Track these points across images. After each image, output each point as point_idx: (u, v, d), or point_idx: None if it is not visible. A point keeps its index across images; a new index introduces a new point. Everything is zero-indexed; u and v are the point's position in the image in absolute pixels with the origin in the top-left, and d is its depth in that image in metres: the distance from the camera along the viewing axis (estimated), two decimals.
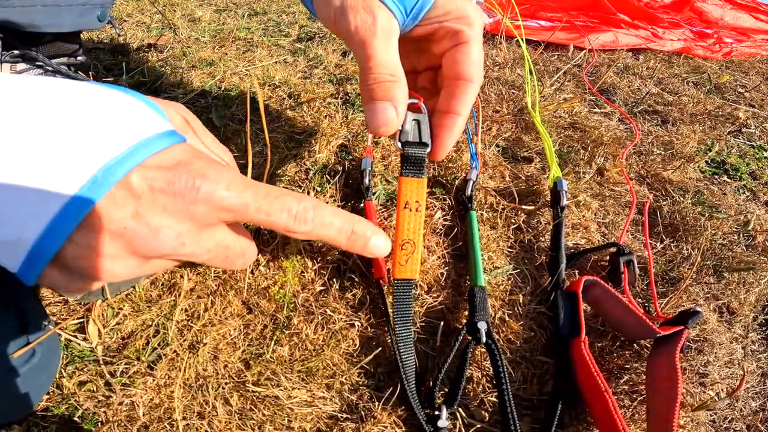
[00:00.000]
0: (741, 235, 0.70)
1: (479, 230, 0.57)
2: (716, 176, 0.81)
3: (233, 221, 0.27)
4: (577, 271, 0.58)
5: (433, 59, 0.41)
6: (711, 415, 0.50)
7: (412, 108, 0.38)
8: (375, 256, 0.34)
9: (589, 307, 0.53)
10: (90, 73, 0.86)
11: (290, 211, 0.27)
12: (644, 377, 0.49)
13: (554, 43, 1.14)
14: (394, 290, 0.43)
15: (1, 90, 0.22)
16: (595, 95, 0.93)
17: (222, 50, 0.94)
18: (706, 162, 0.83)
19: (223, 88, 0.78)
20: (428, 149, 0.38)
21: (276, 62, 0.89)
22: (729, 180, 0.82)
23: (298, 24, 1.08)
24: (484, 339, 0.45)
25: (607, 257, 0.58)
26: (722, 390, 0.52)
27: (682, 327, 0.47)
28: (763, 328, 0.60)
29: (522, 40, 0.86)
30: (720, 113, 1.01)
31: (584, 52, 1.09)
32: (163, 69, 0.85)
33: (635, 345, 0.52)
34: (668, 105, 0.98)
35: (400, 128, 0.37)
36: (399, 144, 0.38)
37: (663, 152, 0.81)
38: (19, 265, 0.21)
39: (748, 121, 1.03)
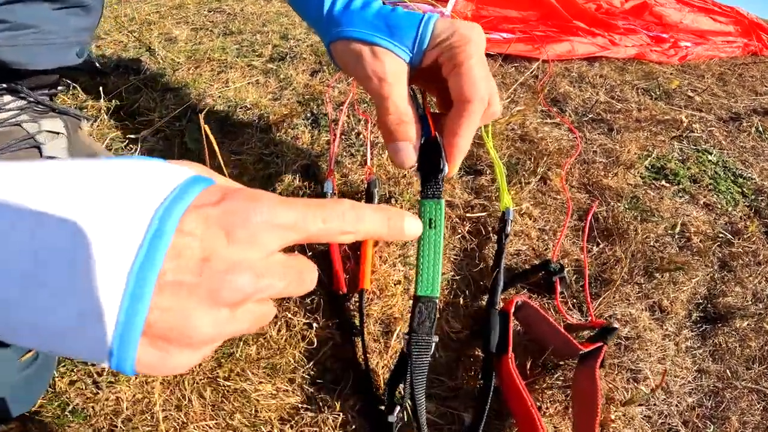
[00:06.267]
0: (675, 237, 0.76)
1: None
2: (655, 181, 0.88)
3: (292, 242, 0.26)
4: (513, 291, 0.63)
5: (443, 83, 0.44)
6: (646, 411, 0.54)
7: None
8: (412, 238, 0.35)
9: (520, 327, 0.59)
10: (68, 95, 0.92)
11: (340, 214, 0.27)
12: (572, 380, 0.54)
13: (514, 55, 1.21)
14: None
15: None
16: (545, 107, 1.00)
17: (197, 71, 0.99)
18: (646, 167, 0.90)
19: (196, 111, 0.84)
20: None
21: (248, 83, 0.95)
22: (667, 184, 0.88)
23: (272, 44, 1.14)
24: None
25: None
26: (656, 386, 0.56)
27: (602, 343, 0.53)
28: (698, 326, 0.65)
29: None
30: (664, 119, 1.08)
31: (539, 62, 1.16)
32: (139, 92, 0.90)
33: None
34: (616, 113, 1.05)
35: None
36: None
37: (605, 160, 0.88)
38: (110, 348, 0.20)
39: (693, 125, 1.11)
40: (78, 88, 0.93)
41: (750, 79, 1.50)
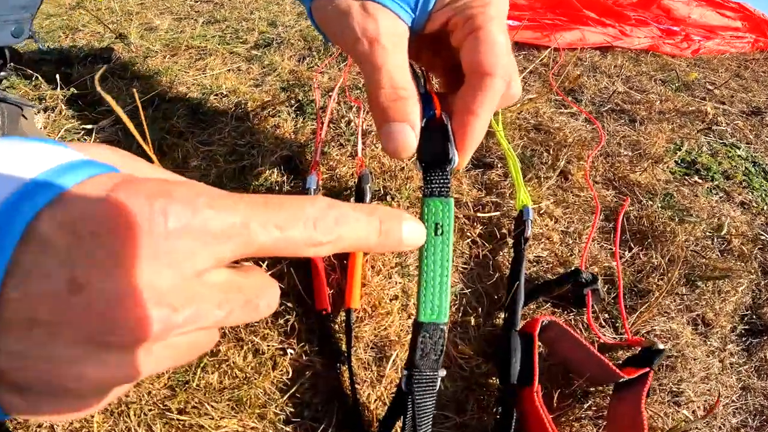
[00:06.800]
0: (715, 240, 0.68)
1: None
2: (687, 177, 0.79)
3: (231, 257, 0.18)
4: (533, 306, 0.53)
5: (454, 55, 0.35)
6: None
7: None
8: (412, 248, 0.27)
9: (542, 348, 0.49)
10: (30, 86, 0.82)
11: (308, 218, 0.19)
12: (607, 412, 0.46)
13: (521, 42, 1.12)
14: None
15: None
16: (560, 96, 0.90)
17: (173, 59, 0.90)
18: (676, 162, 0.81)
19: (166, 99, 0.74)
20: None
21: (228, 70, 0.85)
22: (700, 181, 0.79)
23: (257, 30, 1.04)
24: None
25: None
26: (699, 408, 0.49)
27: (648, 369, 0.45)
28: (743, 339, 0.58)
29: None
30: (689, 110, 0.99)
31: (550, 50, 1.07)
32: (105, 81, 0.81)
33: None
34: (636, 103, 0.96)
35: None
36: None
37: (630, 153, 0.78)
38: None
39: (718, 118, 1.02)
40: (40, 78, 0.84)
41: (763, 74, 1.43)
